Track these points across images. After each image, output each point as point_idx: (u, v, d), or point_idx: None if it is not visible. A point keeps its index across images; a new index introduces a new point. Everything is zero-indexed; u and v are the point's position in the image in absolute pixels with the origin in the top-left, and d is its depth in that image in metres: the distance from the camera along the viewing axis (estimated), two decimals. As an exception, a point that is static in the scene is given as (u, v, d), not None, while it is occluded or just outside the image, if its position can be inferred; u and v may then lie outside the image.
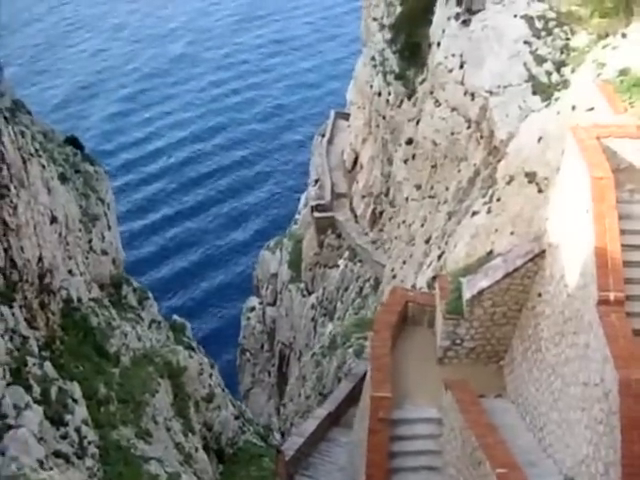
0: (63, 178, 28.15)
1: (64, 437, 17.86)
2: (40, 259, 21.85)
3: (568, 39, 27.47)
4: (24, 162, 21.97)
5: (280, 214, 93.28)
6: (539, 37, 28.55)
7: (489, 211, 25.82)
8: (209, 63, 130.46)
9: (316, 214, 60.46)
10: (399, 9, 51.56)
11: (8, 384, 15.87)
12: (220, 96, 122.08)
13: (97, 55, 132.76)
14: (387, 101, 50.74)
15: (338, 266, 58.23)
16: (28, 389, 16.94)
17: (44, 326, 21.94)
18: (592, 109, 22.26)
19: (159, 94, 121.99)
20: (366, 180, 56.36)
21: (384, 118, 51.57)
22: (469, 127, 31.83)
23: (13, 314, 19.81)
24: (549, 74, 27.18)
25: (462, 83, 32.70)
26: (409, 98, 48.16)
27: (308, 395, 47.34)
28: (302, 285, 64.69)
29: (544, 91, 26.91)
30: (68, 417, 18.34)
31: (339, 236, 59.48)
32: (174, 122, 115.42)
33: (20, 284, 20.77)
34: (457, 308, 22.10)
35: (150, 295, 32.28)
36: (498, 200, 25.56)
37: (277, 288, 69.60)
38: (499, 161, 27.34)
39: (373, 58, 54.09)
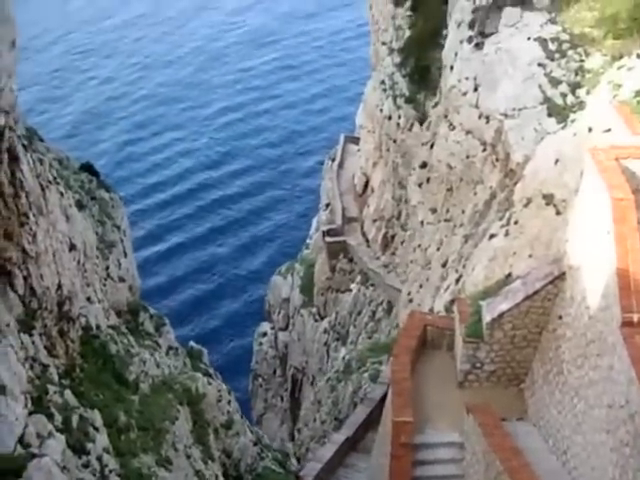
0: (80, 205, 28.27)
1: (86, 466, 17.83)
2: (59, 287, 21.88)
3: (582, 61, 27.53)
4: (42, 189, 22.05)
5: (292, 239, 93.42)
6: (553, 59, 28.61)
7: (507, 234, 25.80)
8: (218, 89, 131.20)
9: (328, 239, 60.53)
10: (408, 33, 51.93)
11: (30, 413, 15.84)
12: (230, 122, 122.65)
13: (107, 82, 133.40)
14: (397, 125, 50.94)
15: (350, 290, 58.25)
16: (50, 417, 16.93)
17: (63, 354, 21.94)
18: (609, 130, 22.28)
19: (169, 121, 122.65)
20: (377, 204, 56.43)
21: (395, 142, 51.73)
22: (484, 150, 31.85)
23: (33, 342, 19.83)
24: (564, 96, 27.23)
25: (476, 106, 32.73)
26: (420, 122, 48.29)
27: (324, 420, 47.22)
28: (314, 310, 64.69)
29: (559, 113, 26.94)
30: (90, 445, 18.32)
31: (351, 260, 59.49)
32: (184, 149, 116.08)
33: (39, 312, 20.77)
34: (477, 331, 22.08)
35: (167, 322, 32.29)
36: (516, 223, 25.55)
37: (289, 313, 69.62)
38: (515, 184, 27.33)
39: (383, 82, 54.34)
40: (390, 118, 52.02)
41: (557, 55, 28.55)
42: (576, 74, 27.38)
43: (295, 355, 67.44)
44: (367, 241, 58.02)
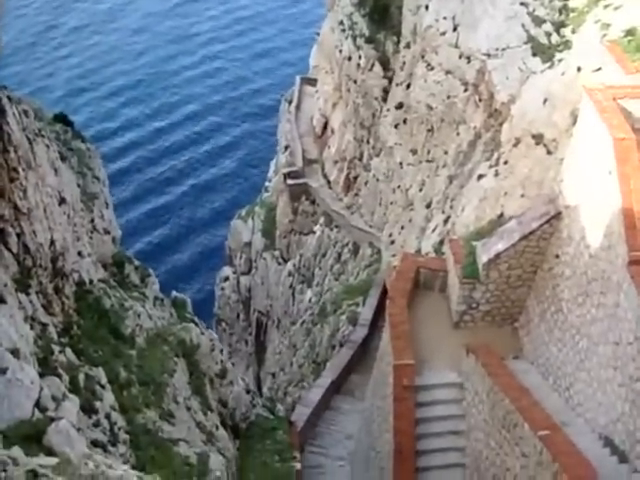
0: (61, 157, 27.63)
1: (96, 425, 17.64)
2: (52, 242, 21.44)
3: (566, -1, 27.33)
4: (30, 143, 21.45)
5: (250, 183, 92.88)
6: (535, -2, 28.41)
7: (496, 174, 25.77)
8: (167, 36, 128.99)
9: (289, 181, 59.98)
10: (365, -29, 51.12)
11: (40, 375, 15.55)
12: (183, 68, 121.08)
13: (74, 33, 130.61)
14: (358, 65, 50.51)
15: (314, 232, 58.03)
16: (59, 378, 16.65)
17: (60, 311, 21.58)
18: (599, 69, 22.18)
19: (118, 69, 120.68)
20: (338, 145, 56.13)
21: (355, 82, 51.34)
22: (466, 90, 31.67)
23: (31, 301, 19.47)
24: (549, 35, 27.05)
25: (456, 46, 32.49)
26: (381, 62, 47.94)
27: (301, 364, 47.34)
28: (277, 253, 64.37)
29: (544, 52, 26.78)
30: (98, 404, 18.10)
31: (313, 202, 59.14)
32: (139, 96, 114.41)
33: (34, 269, 20.36)
34: (473, 272, 22.19)
35: (151, 272, 31.88)
36: (505, 163, 25.51)
37: (251, 257, 69.14)
38: (501, 124, 27.24)
39: (341, 22, 53.66)
40: (350, 59, 51.60)
41: (540, -7, 28.31)
42: (560, 13, 27.18)
43: (259, 299, 67.21)
44: (329, 183, 57.75)
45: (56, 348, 18.56)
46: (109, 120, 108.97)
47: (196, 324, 30.39)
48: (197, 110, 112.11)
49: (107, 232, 30.06)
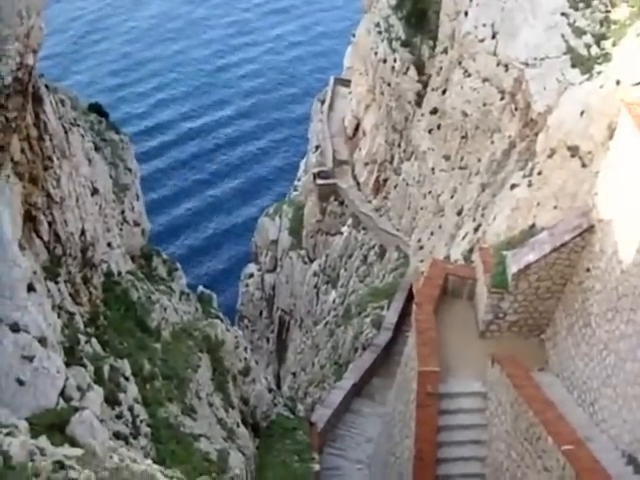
0: (95, 148, 27.73)
1: (119, 417, 17.68)
2: (82, 232, 21.52)
3: (608, 11, 27.03)
4: (65, 132, 21.54)
5: (284, 184, 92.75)
6: (577, 9, 28.14)
7: (530, 184, 25.59)
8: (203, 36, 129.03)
9: (318, 181, 59.96)
10: (404, -26, 51.00)
11: (66, 364, 15.58)
12: (223, 68, 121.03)
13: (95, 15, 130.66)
14: (392, 68, 50.48)
15: (341, 233, 58.00)
16: (84, 369, 16.68)
17: (87, 302, 21.65)
18: (639, 84, 21.94)
19: (162, 64, 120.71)
20: (369, 147, 56.07)
21: (389, 85, 51.25)
22: (502, 98, 31.51)
23: (59, 290, 19.54)
24: (588, 47, 26.80)
25: (495, 54, 32.34)
26: (416, 66, 47.81)
27: (323, 364, 47.28)
28: (303, 252, 64.32)
29: (583, 64, 26.53)
30: (121, 396, 18.15)
31: (342, 203, 59.04)
32: (174, 96, 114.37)
33: (64, 258, 20.43)
34: (502, 282, 22.04)
35: (179, 266, 31.96)
36: (539, 174, 25.32)
37: (277, 255, 69.11)
38: (537, 134, 27.03)
39: (377, 24, 53.67)
40: (385, 61, 51.54)
41: (581, 5, 28.06)
42: (601, 25, 26.91)
43: (282, 297, 67.23)
44: (358, 184, 57.69)
45: (82, 338, 18.63)
46: (142, 119, 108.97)
47: (221, 320, 30.48)
48: (231, 114, 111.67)
49: (137, 224, 30.18)
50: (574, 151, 23.78)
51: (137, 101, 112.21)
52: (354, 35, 65.50)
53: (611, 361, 18.60)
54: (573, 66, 26.96)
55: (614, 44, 25.57)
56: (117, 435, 16.54)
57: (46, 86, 20.66)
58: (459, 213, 33.77)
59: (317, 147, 67.36)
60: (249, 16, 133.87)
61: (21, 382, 13.42)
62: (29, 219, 18.68)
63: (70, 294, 20.55)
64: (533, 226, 23.97)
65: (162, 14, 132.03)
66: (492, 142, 31.85)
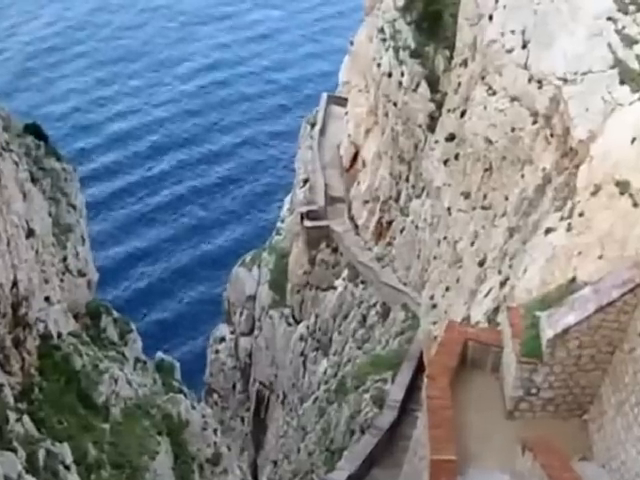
0: (32, 178, 27.94)
1: (55, 513, 17.68)
2: (14, 284, 21.62)
3: (665, 16, 27.51)
4: (-6, 159, 21.75)
5: (259, 221, 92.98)
6: (627, 12, 28.48)
7: (569, 228, 25.76)
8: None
9: (307, 223, 60.46)
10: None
11: (-11, 448, 15.62)
12: (178, 78, 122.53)
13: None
14: (399, 84, 50.95)
15: (335, 288, 58.26)
16: (14, 454, 16.69)
17: (19, 370, 21.72)
18: (703, 104, 22.30)
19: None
20: (370, 181, 56.44)
21: (395, 105, 51.65)
22: (535, 122, 31.75)
23: (-16, 356, 19.63)
24: (640, 59, 27.18)
25: (525, 67, 32.62)
26: (428, 81, 48.20)
27: (311, 451, 47.18)
28: (287, 311, 64.82)
29: (634, 80, 26.83)
30: (60, 488, 18.14)
31: (335, 250, 59.53)
32: (137, 117, 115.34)
33: (-10, 316, 20.52)
34: (534, 349, 22.14)
35: (133, 327, 32.10)
36: (580, 215, 25.50)
37: (255, 314, 69.50)
38: (577, 166, 27.26)
39: (381, 30, 54.05)
40: (390, 75, 52.02)
41: (632, 8, 28.43)
42: (656, 33, 27.35)
43: (261, 367, 67.55)
44: (356, 227, 58.15)
45: (12, 416, 18.62)
46: (89, 136, 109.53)
47: (185, 395, 30.55)
48: (197, 131, 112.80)
49: (82, 274, 30.31)
50: (623, 187, 23.98)
51: (80, 117, 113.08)
52: (352, 43, 66.10)
53: (671, 448, 18.74)
54: (622, 82, 27.22)
55: (672, 56, 26.02)
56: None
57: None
58: (481, 264, 33.95)
59: (305, 181, 67.73)
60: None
61: None
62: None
63: (-2, 361, 20.63)
64: (573, 280, 24.09)
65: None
66: (522, 176, 32.08)
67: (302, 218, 61.31)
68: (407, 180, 51.44)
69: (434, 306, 39.53)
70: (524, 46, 33.17)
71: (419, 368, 39.92)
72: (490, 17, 36.99)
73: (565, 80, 29.69)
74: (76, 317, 29.10)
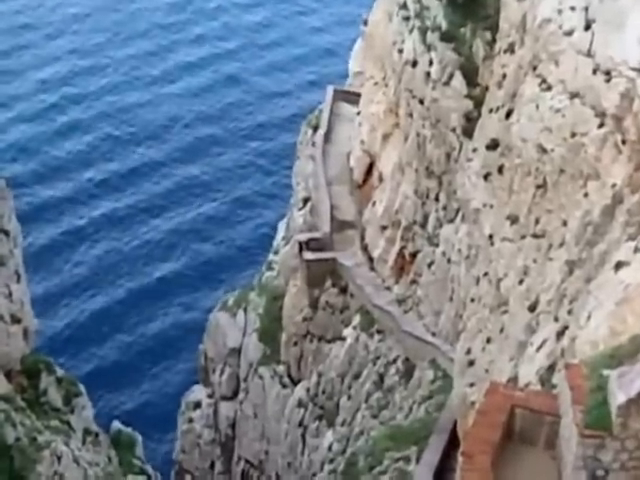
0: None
1: None
2: None
3: None
4: None
5: (246, 251, 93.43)
6: None
7: (645, 262, 25.88)
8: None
9: (307, 255, 60.69)
10: None
11: None
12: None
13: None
14: (427, 75, 50.96)
15: (343, 339, 58.38)
16: None
17: None
18: None
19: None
20: (389, 201, 56.47)
21: (421, 103, 51.71)
22: (602, 125, 31.80)
23: None
24: None
25: (589, 54, 32.73)
26: (464, 71, 48.32)
27: None
28: (281, 368, 65.16)
29: None
30: None
31: (344, 291, 59.68)
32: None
33: None
34: (601, 419, 22.10)
35: (82, 390, 32.10)
36: (661, 245, 25.63)
37: (239, 372, 69.71)
38: (657, 181, 27.40)
39: (404, 6, 54.30)
40: (415, 64, 52.20)
41: None
42: None
43: (248, 441, 67.93)
44: (371, 260, 58.36)
45: None
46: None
47: (149, 477, 30.50)
48: (165, 129, 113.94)
49: (16, 320, 30.29)
50: None
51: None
52: (365, 22, 66.29)
53: None
54: None
55: None
56: None
57: None
58: (533, 308, 33.92)
59: (306, 200, 67.83)
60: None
61: None
62: None
63: None
64: (652, 330, 24.20)
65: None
66: (586, 195, 32.10)
67: (301, 249, 61.50)
68: (437, 200, 51.53)
69: (471, 363, 39.49)
70: (587, 27, 33.25)
71: (452, 443, 39.90)
72: (544, -11, 37.16)
73: None
74: (8, 375, 29.06)
